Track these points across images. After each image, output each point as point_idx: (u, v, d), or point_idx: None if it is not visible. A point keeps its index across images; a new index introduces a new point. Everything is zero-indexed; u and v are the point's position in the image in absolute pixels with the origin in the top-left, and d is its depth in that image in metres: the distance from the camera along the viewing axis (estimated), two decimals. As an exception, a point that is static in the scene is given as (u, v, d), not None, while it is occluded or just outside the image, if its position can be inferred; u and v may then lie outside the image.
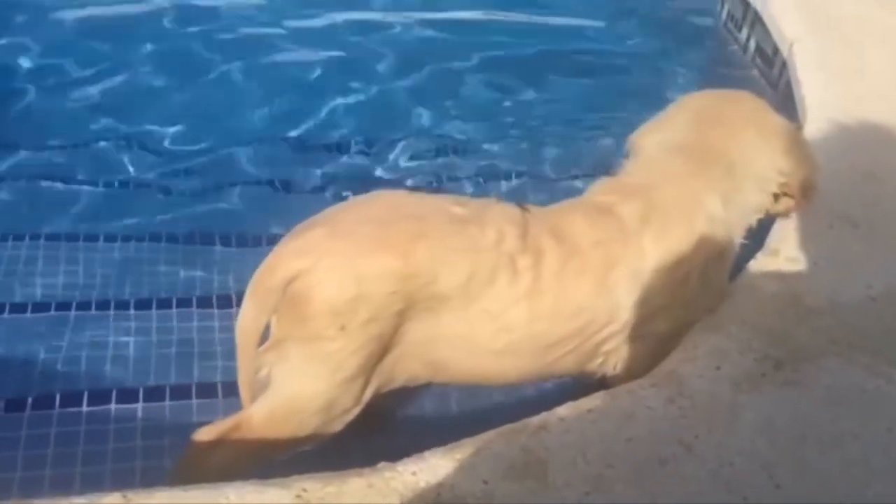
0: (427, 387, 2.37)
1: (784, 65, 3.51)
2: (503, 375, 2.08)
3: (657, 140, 2.20)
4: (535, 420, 1.84)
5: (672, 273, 2.01)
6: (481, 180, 3.49)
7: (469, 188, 3.44)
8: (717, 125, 2.19)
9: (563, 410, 1.87)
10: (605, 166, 2.34)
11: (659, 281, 2.00)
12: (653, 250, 2.00)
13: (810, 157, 2.23)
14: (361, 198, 2.05)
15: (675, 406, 1.89)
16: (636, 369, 2.05)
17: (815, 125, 2.92)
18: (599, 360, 2.08)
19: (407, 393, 2.15)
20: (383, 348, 1.88)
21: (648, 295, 2.00)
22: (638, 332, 2.03)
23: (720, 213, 2.07)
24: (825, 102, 3.06)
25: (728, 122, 2.20)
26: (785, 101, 3.47)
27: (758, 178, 2.13)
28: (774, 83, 3.66)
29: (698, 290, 2.07)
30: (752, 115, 2.22)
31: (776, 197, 2.16)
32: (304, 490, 1.64)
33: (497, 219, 1.95)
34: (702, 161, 2.12)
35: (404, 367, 1.96)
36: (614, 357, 2.08)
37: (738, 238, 2.15)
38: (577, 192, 2.28)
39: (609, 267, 1.98)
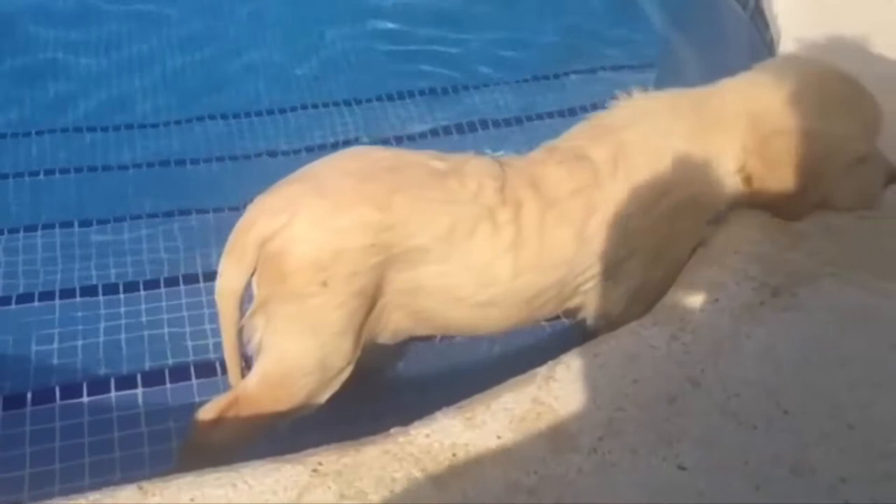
0: (428, 343, 2.38)
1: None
2: (487, 326, 2.10)
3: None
4: (543, 370, 1.83)
5: (642, 216, 2.00)
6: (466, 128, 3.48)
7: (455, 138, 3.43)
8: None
9: (569, 357, 1.86)
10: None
11: (631, 223, 1.99)
12: (624, 193, 1.98)
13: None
14: (338, 154, 2.01)
15: (679, 343, 1.89)
16: (614, 312, 2.06)
17: (789, 42, 2.90)
18: (578, 299, 2.08)
19: (401, 348, 2.14)
20: (368, 302, 1.87)
21: (621, 237, 1.99)
22: (612, 273, 2.03)
23: (692, 153, 2.03)
24: (798, 20, 3.02)
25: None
26: (755, 19, 3.44)
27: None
28: (744, 2, 3.62)
29: (670, 234, 2.05)
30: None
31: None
32: (320, 464, 1.63)
33: (476, 172, 1.94)
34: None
35: (389, 319, 1.96)
36: (592, 296, 2.07)
37: (718, 190, 2.09)
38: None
39: (588, 215, 1.97)
